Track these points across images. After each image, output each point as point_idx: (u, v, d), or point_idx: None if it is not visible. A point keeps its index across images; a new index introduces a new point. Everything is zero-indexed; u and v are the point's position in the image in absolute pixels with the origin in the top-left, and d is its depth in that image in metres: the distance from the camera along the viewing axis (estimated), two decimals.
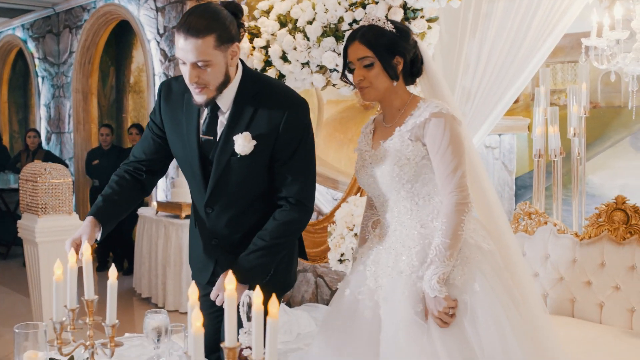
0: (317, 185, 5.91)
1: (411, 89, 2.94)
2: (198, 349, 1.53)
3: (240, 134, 2.70)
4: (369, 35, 2.75)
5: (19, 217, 6.00)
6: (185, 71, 2.63)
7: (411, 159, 2.72)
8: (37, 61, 11.31)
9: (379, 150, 2.81)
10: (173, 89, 2.89)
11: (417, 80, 2.91)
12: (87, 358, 2.18)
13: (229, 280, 1.59)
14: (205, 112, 2.79)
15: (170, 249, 6.89)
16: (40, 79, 11.26)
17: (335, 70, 4.34)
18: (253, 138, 2.70)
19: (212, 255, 2.92)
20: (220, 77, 2.65)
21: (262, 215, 2.81)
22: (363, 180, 2.91)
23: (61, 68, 10.61)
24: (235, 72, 2.74)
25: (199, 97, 2.68)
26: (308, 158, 2.81)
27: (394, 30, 2.76)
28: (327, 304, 6.08)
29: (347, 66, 2.83)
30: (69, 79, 10.39)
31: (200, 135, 2.80)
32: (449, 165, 2.67)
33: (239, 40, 2.70)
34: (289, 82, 4.72)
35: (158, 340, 2.35)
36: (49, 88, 11.03)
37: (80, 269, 2.12)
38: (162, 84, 2.97)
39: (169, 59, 8.03)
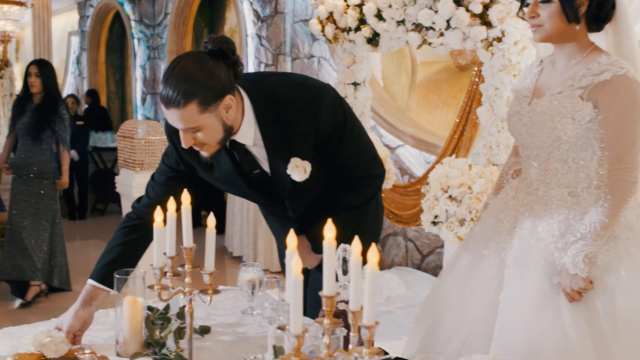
0: (409, 148, 5.91)
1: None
2: (297, 295, 1.51)
3: (289, 166, 2.49)
4: None
5: (117, 175, 6.17)
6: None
7: (577, 120, 2.41)
8: (133, 23, 11.50)
9: (542, 100, 2.51)
10: None
11: (605, 28, 2.51)
12: (185, 305, 2.21)
13: (328, 229, 1.54)
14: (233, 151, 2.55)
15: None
16: (136, 41, 11.45)
17: (431, 28, 4.23)
18: (303, 159, 2.49)
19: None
20: (218, 134, 2.37)
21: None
22: (514, 127, 2.64)
23: (156, 30, 10.77)
24: (241, 111, 2.44)
25: (202, 153, 2.43)
26: (357, 132, 2.60)
27: None
28: (417, 268, 6.02)
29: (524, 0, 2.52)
30: (163, 40, 10.53)
31: (246, 174, 2.59)
32: (626, 138, 2.37)
33: (233, 88, 2.37)
34: (384, 41, 4.64)
35: (252, 293, 2.36)
36: (145, 50, 11.22)
37: (179, 218, 2.14)
38: (168, 128, 2.61)
39: (261, 19, 8.04)
